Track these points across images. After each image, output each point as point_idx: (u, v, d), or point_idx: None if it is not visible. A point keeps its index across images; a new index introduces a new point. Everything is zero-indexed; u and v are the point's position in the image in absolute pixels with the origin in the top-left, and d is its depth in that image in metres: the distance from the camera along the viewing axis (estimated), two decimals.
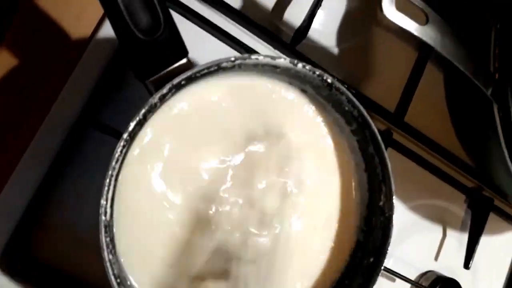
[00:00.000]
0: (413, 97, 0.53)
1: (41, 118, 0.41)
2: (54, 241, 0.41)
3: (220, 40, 0.45)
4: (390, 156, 0.38)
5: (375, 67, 0.54)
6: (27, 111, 0.42)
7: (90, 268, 0.41)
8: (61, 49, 0.43)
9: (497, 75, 0.41)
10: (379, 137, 0.36)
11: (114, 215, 0.31)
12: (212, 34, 0.45)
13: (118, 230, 0.32)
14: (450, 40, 0.34)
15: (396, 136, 0.53)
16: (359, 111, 0.36)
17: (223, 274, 0.34)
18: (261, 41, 0.46)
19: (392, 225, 0.37)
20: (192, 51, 0.33)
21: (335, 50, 0.52)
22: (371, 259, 0.37)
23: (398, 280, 0.53)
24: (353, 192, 0.39)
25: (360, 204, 0.39)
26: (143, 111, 0.29)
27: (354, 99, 0.35)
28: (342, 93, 0.35)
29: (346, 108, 0.36)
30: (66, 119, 0.41)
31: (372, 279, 0.36)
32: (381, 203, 0.38)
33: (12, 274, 0.39)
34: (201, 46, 0.45)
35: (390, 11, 0.33)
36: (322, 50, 0.51)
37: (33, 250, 0.40)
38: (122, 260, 0.32)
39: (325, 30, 0.51)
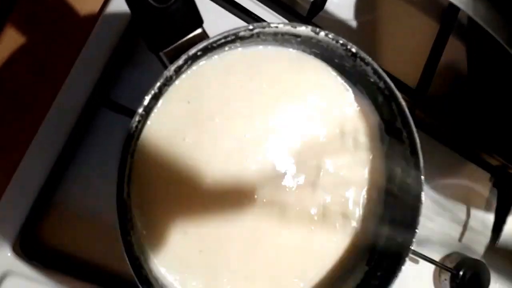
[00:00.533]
0: (435, 72, 0.50)
1: (51, 98, 0.40)
2: (67, 225, 0.39)
3: (232, 13, 0.43)
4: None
5: (394, 41, 0.52)
6: (37, 91, 0.40)
7: (104, 252, 0.40)
8: (69, 25, 0.41)
9: None
10: (406, 110, 0.34)
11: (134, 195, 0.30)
12: (224, 7, 0.43)
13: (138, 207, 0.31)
14: (482, 4, 0.32)
15: (418, 113, 0.51)
16: (385, 82, 0.34)
17: None
18: (275, 13, 0.44)
19: (421, 203, 0.35)
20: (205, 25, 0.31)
21: (353, 23, 0.50)
22: (400, 239, 0.35)
23: (421, 261, 0.51)
24: (382, 169, 0.37)
25: (388, 181, 0.37)
26: (158, 84, 0.28)
27: (380, 70, 0.33)
28: (368, 64, 0.33)
29: (372, 80, 0.34)
30: (77, 99, 0.39)
31: (402, 259, 0.34)
32: (409, 180, 0.36)
33: (27, 257, 0.38)
34: (212, 20, 0.43)
35: None
36: (339, 23, 0.49)
37: (46, 234, 0.39)
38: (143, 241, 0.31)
39: (342, 2, 0.49)
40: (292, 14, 0.44)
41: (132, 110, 0.38)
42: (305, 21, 0.44)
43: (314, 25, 0.44)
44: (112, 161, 0.36)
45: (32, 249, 0.38)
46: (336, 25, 0.49)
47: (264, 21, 0.43)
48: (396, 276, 0.34)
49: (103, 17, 0.40)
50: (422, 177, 0.35)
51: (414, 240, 0.34)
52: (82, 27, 0.41)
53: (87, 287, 0.39)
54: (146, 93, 0.28)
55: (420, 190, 0.35)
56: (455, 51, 0.54)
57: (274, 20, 0.44)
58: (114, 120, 0.40)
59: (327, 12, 0.48)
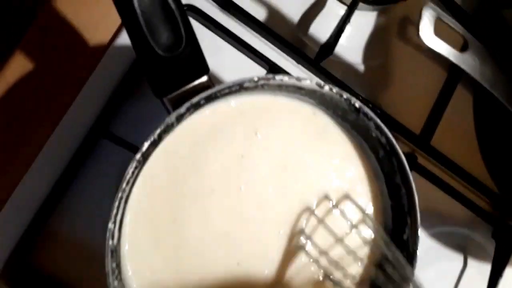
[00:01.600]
0: (440, 120, 0.50)
1: (53, 126, 0.40)
2: (59, 254, 0.39)
3: (242, 52, 0.43)
4: (413, 180, 0.36)
5: (401, 87, 0.52)
6: (40, 117, 0.41)
7: (95, 282, 0.40)
8: (77, 55, 0.42)
9: None
10: (407, 167, 0.34)
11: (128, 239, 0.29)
12: (234, 46, 0.43)
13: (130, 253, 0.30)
14: (489, 69, 0.32)
15: (420, 160, 0.51)
16: (387, 138, 0.34)
17: None
18: (284, 55, 0.44)
19: (415, 261, 0.35)
20: (212, 63, 0.31)
21: (361, 67, 0.50)
22: None
23: None
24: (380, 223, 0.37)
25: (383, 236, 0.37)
26: (158, 131, 0.28)
27: (383, 126, 0.33)
28: (370, 119, 0.33)
29: (373, 135, 0.34)
30: (78, 128, 0.40)
31: None
32: (405, 236, 0.35)
33: (14, 286, 0.38)
34: (221, 58, 0.43)
35: (428, 36, 0.30)
36: (347, 67, 0.49)
37: (36, 263, 0.39)
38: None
39: (351, 46, 0.49)
40: (301, 57, 0.44)
41: (133, 144, 0.38)
42: (313, 64, 0.44)
43: (322, 68, 0.44)
44: (108, 192, 0.36)
45: (21, 278, 0.38)
46: (343, 68, 0.49)
47: (272, 62, 0.43)
48: None
49: (112, 49, 0.41)
50: (419, 234, 0.35)
51: None
52: (90, 57, 0.41)
53: None
54: (145, 138, 0.28)
55: (415, 248, 0.35)
56: (462, 100, 0.54)
57: (283, 61, 0.45)
58: (113, 152, 0.40)
59: (335, 55, 0.48)
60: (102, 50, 0.41)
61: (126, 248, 0.30)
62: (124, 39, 0.41)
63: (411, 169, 0.47)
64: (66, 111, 0.40)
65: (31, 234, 0.39)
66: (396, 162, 0.34)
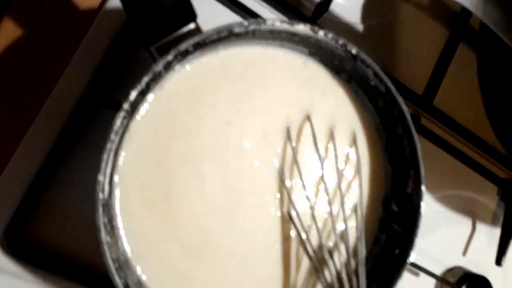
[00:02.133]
0: (443, 80, 0.49)
1: (47, 93, 0.39)
2: (56, 223, 0.38)
3: (232, 10, 0.41)
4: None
5: (402, 47, 0.50)
6: (32, 85, 0.40)
7: (91, 251, 0.39)
8: (68, 21, 0.40)
9: None
10: (408, 117, 0.33)
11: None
12: (224, 4, 0.41)
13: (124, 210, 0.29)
14: (493, 6, 0.30)
15: (424, 121, 0.49)
16: (386, 86, 0.32)
17: None
18: (278, 13, 0.43)
19: (420, 215, 0.33)
20: (200, 21, 0.30)
21: (359, 27, 0.48)
22: (397, 251, 0.34)
23: (422, 275, 0.49)
24: (382, 178, 0.36)
25: (385, 191, 0.36)
26: (145, 79, 0.27)
27: (382, 73, 0.32)
28: (368, 66, 0.32)
29: (372, 84, 0.33)
30: (71, 97, 0.38)
31: (398, 273, 0.32)
32: (408, 190, 0.34)
33: (13, 254, 0.37)
34: (210, 17, 0.41)
35: None
36: (345, 26, 0.48)
37: (34, 232, 0.38)
38: (125, 244, 0.29)
39: (349, 5, 0.48)
40: (296, 15, 0.43)
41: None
42: (310, 22, 0.43)
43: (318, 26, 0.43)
44: None
45: (19, 247, 0.37)
46: (341, 28, 0.47)
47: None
48: None
49: (102, 13, 0.40)
50: (423, 187, 0.34)
51: (411, 253, 0.33)
52: (80, 22, 0.40)
53: (73, 286, 0.38)
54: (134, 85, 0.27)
55: (419, 201, 0.33)
56: (465, 58, 0.52)
57: None
58: (108, 118, 0.39)
59: (332, 15, 0.46)
60: (93, 14, 0.40)
61: (118, 206, 0.29)
62: (114, 2, 0.39)
63: None
64: (58, 79, 0.39)
65: (27, 204, 0.38)
66: (397, 112, 0.33)
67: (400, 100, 0.33)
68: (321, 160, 0.33)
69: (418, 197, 0.33)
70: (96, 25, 0.40)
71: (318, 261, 0.33)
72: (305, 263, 0.34)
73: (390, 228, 0.35)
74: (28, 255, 0.38)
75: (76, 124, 0.39)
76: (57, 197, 0.39)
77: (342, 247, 0.34)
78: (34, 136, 0.38)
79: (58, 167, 0.39)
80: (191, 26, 0.28)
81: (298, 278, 0.34)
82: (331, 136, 0.34)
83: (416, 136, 0.33)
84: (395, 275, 0.32)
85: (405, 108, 0.33)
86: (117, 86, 0.40)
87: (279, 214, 0.33)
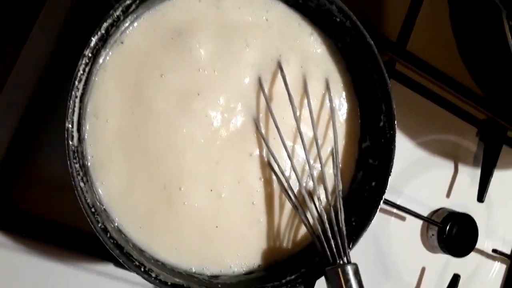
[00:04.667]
0: (415, 24, 0.49)
1: (15, 56, 0.38)
2: (35, 188, 0.39)
3: None
4: (394, 89, 0.34)
5: None
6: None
7: (72, 213, 0.39)
8: None
9: None
10: (376, 51, 0.33)
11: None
12: None
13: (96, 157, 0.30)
14: None
15: (400, 67, 0.50)
16: (351, 21, 0.33)
17: None
18: None
19: (394, 146, 0.34)
20: None
21: None
22: (373, 183, 0.34)
23: (409, 218, 0.50)
24: (356, 118, 0.36)
25: (360, 127, 0.36)
26: (104, 24, 0.27)
27: (346, 8, 0.32)
28: (332, 2, 0.32)
29: (338, 20, 0.33)
30: (43, 57, 0.38)
31: (375, 203, 0.33)
32: (381, 124, 0.35)
33: None
34: None
35: None
36: None
37: (14, 198, 0.38)
38: (100, 191, 0.30)
39: None
40: None
41: None
42: None
43: None
44: None
45: (3, 216, 0.38)
46: None
47: None
48: (370, 221, 0.33)
49: None
50: (395, 118, 0.34)
51: (387, 185, 0.33)
52: None
53: (58, 251, 0.38)
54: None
55: (393, 132, 0.34)
56: (437, 2, 0.52)
57: None
58: None
59: None
60: None
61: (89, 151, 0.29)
62: None
63: (389, 77, 0.46)
64: (25, 41, 0.39)
65: (7, 170, 0.38)
66: (364, 47, 0.33)
67: (366, 34, 0.33)
68: (293, 108, 0.33)
69: (391, 128, 0.34)
70: None
71: (299, 202, 0.34)
72: (288, 205, 0.35)
73: (366, 163, 0.36)
74: (8, 222, 0.38)
75: (49, 85, 0.39)
76: (36, 164, 0.39)
77: (321, 188, 0.35)
78: (8, 96, 0.38)
79: (34, 131, 0.39)
80: None
81: (281, 220, 0.35)
82: (304, 83, 0.35)
83: (384, 69, 0.33)
84: (373, 205, 0.33)
85: (371, 41, 0.33)
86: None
87: (257, 157, 0.34)
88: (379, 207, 0.33)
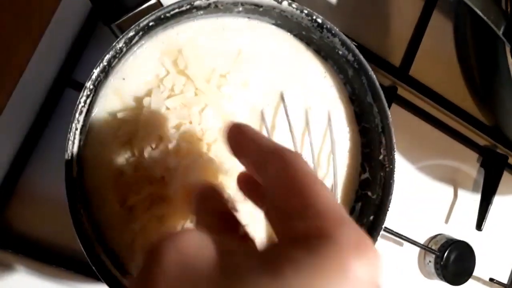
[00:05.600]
0: (418, 49, 0.49)
1: (15, 80, 0.38)
2: (31, 210, 0.38)
3: None
4: (396, 113, 0.34)
5: (377, 18, 0.50)
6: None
7: (67, 237, 0.39)
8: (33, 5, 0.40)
9: (509, 12, 0.37)
10: (377, 84, 0.33)
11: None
12: None
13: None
14: None
15: (402, 92, 0.49)
16: (354, 54, 0.32)
17: None
18: None
19: (393, 180, 0.34)
20: None
21: (334, 1, 0.48)
22: (371, 217, 0.34)
23: (406, 244, 0.50)
24: (357, 149, 0.36)
25: (359, 160, 0.36)
26: (107, 56, 0.26)
27: (348, 41, 0.32)
28: (335, 35, 0.32)
29: (340, 53, 0.33)
30: (42, 80, 0.38)
31: (372, 238, 0.33)
32: (381, 157, 0.34)
33: None
34: None
35: None
36: (319, 1, 0.47)
37: (8, 219, 0.38)
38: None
39: None
40: None
41: None
42: None
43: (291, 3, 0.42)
44: None
45: None
46: (316, 3, 0.47)
47: None
48: None
49: None
50: (395, 152, 0.34)
51: (385, 218, 0.33)
52: (45, 7, 0.39)
53: (53, 270, 0.38)
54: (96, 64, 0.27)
55: (392, 166, 0.34)
56: (441, 27, 0.52)
57: None
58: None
59: None
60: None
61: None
62: None
63: (391, 101, 0.46)
64: (27, 63, 0.39)
65: (3, 191, 0.38)
66: (366, 80, 0.33)
67: (368, 67, 0.33)
68: (294, 141, 0.33)
69: (390, 162, 0.34)
70: (61, 9, 0.39)
71: None
72: None
73: (365, 196, 0.35)
74: (7, 243, 0.38)
75: (46, 110, 0.39)
76: (29, 184, 0.38)
77: None
78: (7, 120, 0.38)
79: (32, 151, 0.39)
80: (152, 1, 0.28)
81: None
82: (306, 116, 0.34)
83: (385, 102, 0.33)
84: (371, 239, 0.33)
85: (373, 75, 0.33)
86: (84, 67, 0.40)
87: None
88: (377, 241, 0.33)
